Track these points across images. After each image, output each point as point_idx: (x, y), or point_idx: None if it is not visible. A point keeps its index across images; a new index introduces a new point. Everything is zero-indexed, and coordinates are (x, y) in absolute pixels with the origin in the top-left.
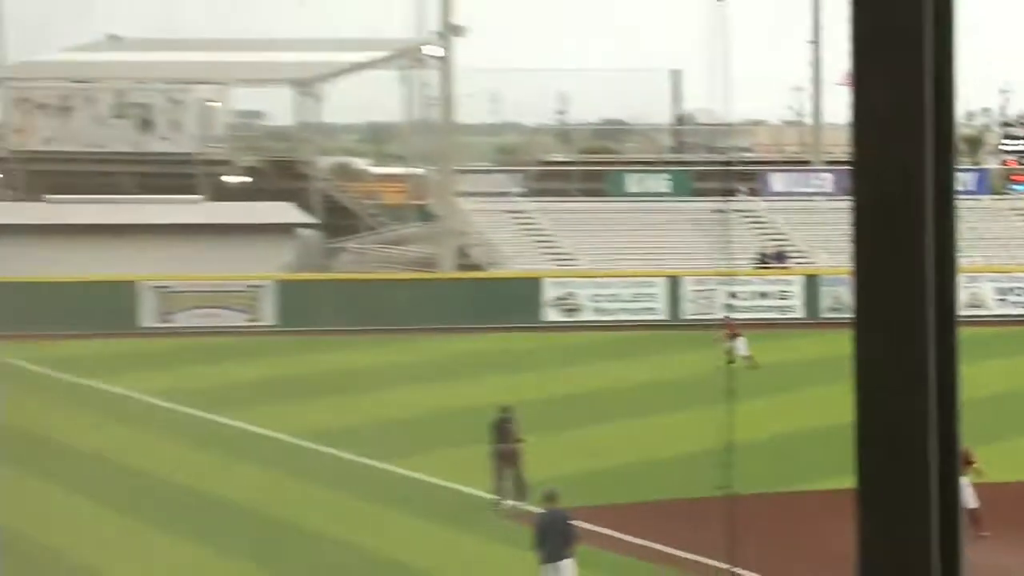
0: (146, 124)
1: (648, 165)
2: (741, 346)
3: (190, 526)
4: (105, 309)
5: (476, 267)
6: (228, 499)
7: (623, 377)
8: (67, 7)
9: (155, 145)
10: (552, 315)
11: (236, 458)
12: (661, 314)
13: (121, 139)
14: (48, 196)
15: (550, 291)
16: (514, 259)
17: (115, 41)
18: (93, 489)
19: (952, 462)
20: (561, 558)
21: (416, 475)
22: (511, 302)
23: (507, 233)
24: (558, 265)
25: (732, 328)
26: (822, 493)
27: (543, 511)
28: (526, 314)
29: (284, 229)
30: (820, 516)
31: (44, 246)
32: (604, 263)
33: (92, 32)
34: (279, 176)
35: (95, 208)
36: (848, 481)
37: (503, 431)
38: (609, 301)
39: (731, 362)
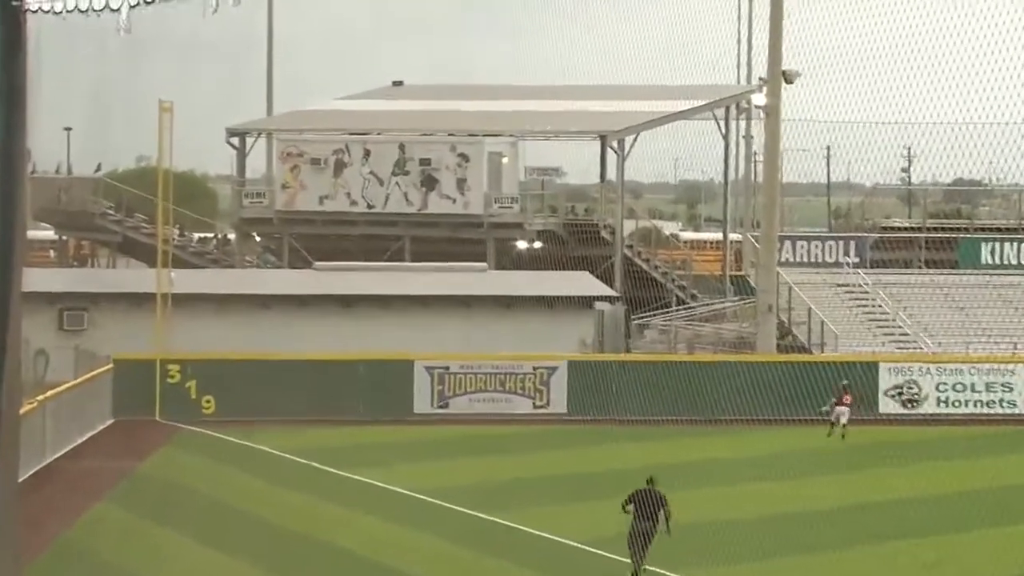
0: (429, 181)
1: (1008, 232)
2: (843, 416)
3: None
4: (375, 390)
5: (801, 349)
6: None
7: (972, 480)
8: (346, 50)
9: (438, 205)
10: (889, 406)
11: (513, 563)
12: (1022, 407)
13: (400, 199)
14: (318, 264)
15: (887, 378)
16: (846, 340)
17: (398, 88)
18: None
19: None
20: None
21: None
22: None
23: (838, 310)
24: (898, 348)
25: (843, 397)
26: None
27: None
28: (859, 403)
29: (581, 302)
30: None
31: (309, 319)
32: (953, 346)
33: (372, 79)
34: (577, 241)
35: (368, 277)
36: None
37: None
38: (958, 391)
39: (829, 434)
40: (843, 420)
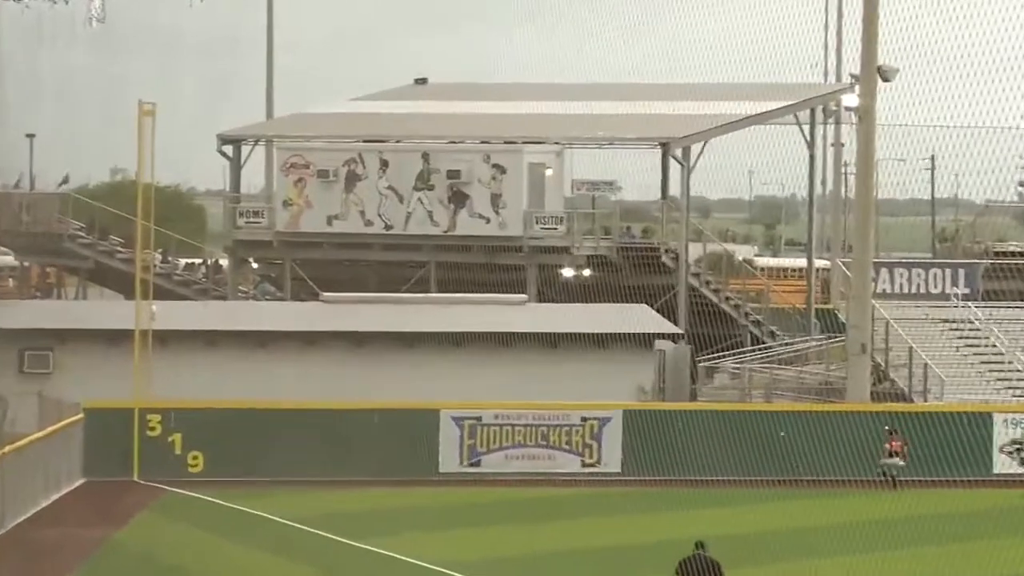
0: (459, 197)
1: None
2: (897, 463)
3: None
4: (393, 445)
5: (900, 397)
6: None
7: None
8: (359, 44)
9: (469, 226)
10: (1006, 465)
11: None
12: None
13: (424, 218)
14: (326, 295)
15: (1003, 431)
16: (953, 386)
17: (421, 87)
18: None
19: None
20: None
21: None
22: (947, 446)
23: (945, 350)
24: (1016, 396)
25: (894, 441)
26: None
27: None
28: (968, 463)
29: (638, 341)
30: None
31: (315, 360)
32: None
33: (391, 77)
34: (633, 268)
35: (386, 310)
36: None
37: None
38: None
39: (883, 479)
40: (895, 468)
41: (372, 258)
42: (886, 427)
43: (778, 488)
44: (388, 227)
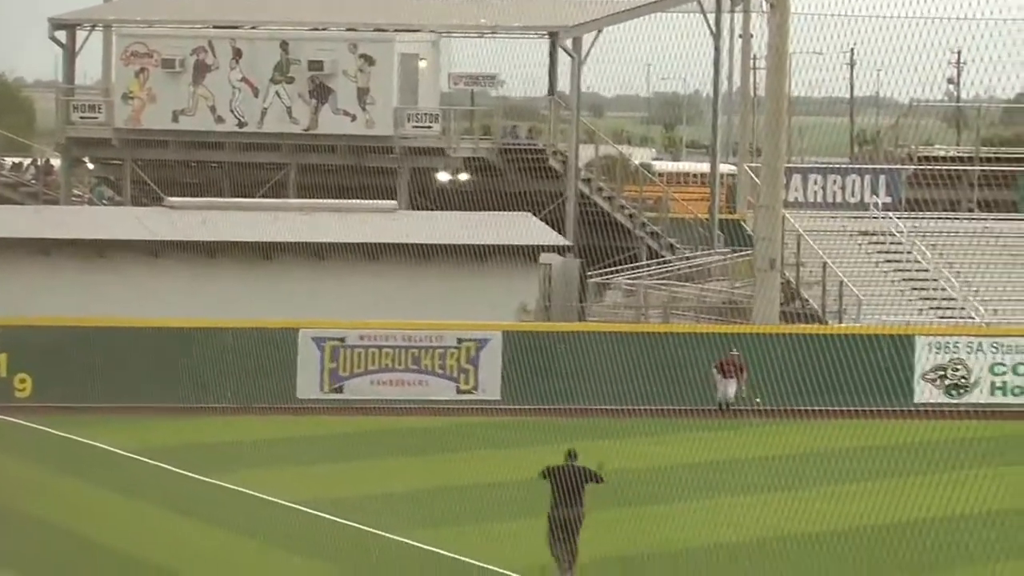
0: (320, 92)
1: None
2: (730, 389)
3: None
4: (247, 369)
5: (813, 318)
6: None
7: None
8: None
9: (333, 124)
10: (928, 393)
11: None
12: None
13: (282, 114)
14: (170, 200)
15: (926, 357)
16: (872, 306)
17: None
18: None
19: None
20: None
21: None
22: (865, 371)
23: (863, 266)
24: (940, 317)
25: (728, 364)
26: None
27: None
28: (885, 391)
29: (522, 253)
30: None
31: (160, 274)
32: (1012, 314)
33: None
34: (518, 173)
35: (239, 218)
36: None
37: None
38: (1019, 375)
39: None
40: (730, 394)
41: (223, 159)
42: (733, 351)
43: (677, 418)
44: (241, 124)
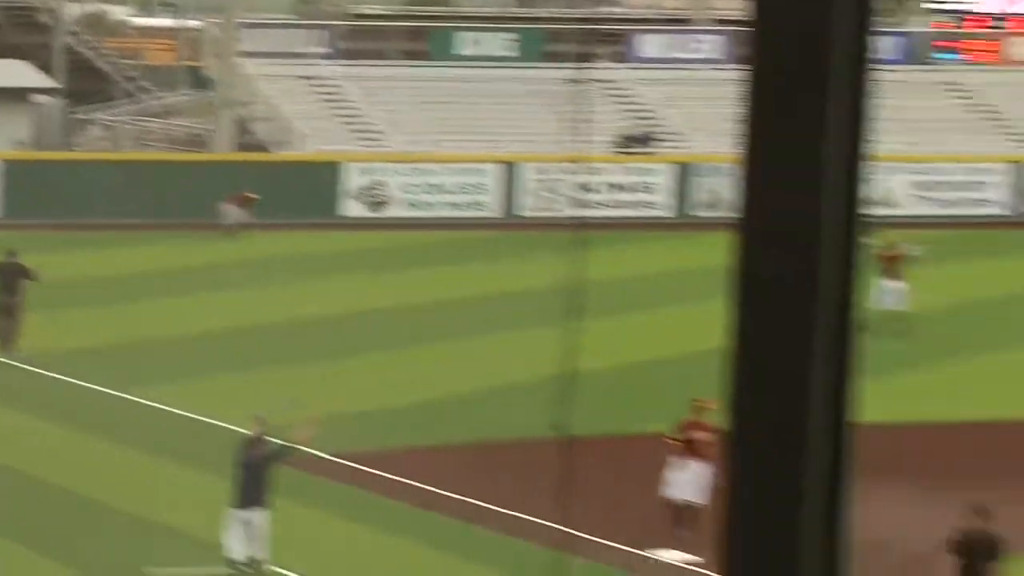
0: None
1: (486, 22)
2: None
3: None
4: None
5: (260, 147)
6: None
7: (442, 289)
8: None
9: None
10: (354, 209)
11: None
12: (493, 210)
13: None
14: None
15: (353, 179)
16: (310, 138)
17: None
18: None
19: (843, 398)
20: (255, 505)
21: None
22: (301, 192)
23: (302, 104)
24: (365, 146)
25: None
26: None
27: (250, 438)
28: (320, 208)
29: (15, 94)
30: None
31: None
32: (423, 144)
33: None
34: (10, 28)
35: None
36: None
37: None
38: (427, 192)
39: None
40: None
41: None
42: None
43: (143, 232)
44: None
